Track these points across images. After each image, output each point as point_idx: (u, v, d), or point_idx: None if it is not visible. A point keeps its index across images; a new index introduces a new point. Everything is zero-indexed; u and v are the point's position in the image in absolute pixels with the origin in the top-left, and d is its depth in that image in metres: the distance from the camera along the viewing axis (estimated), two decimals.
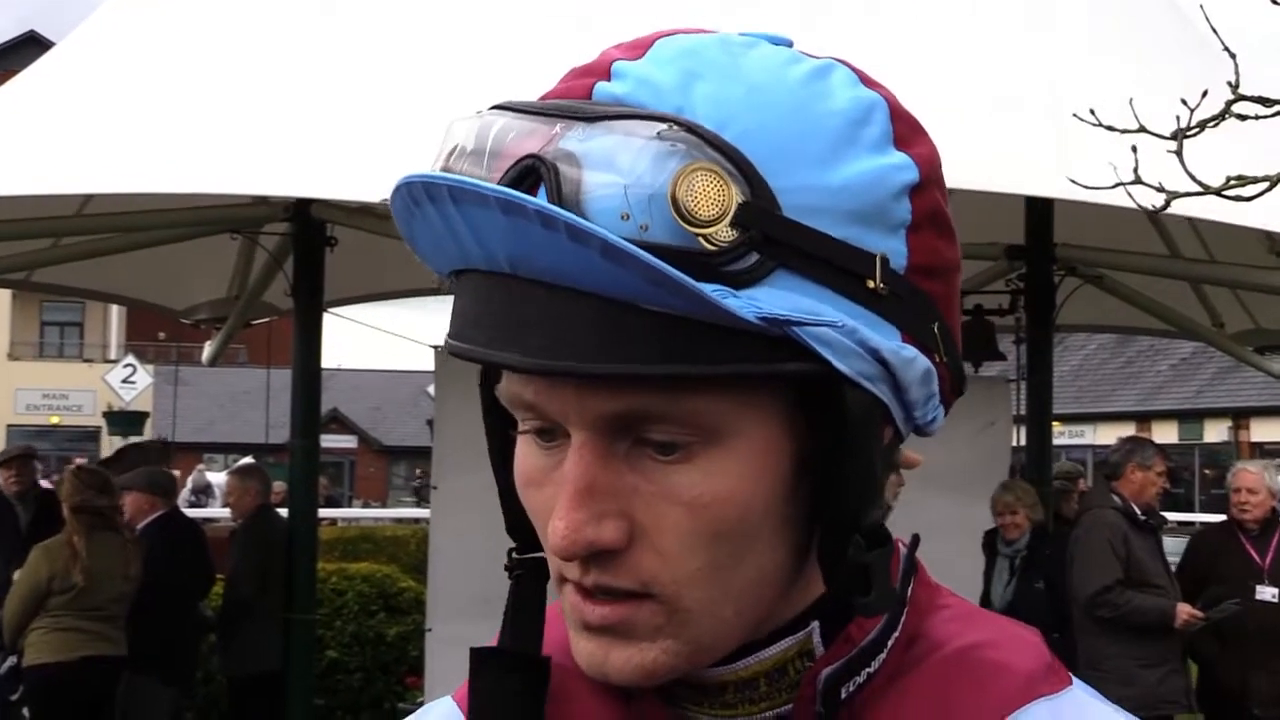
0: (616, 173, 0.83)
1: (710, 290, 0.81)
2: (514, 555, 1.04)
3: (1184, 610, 7.55)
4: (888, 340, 0.89)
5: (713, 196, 0.83)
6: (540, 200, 0.82)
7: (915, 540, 1.04)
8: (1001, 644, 1.02)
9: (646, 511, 0.89)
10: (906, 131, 0.93)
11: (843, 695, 0.96)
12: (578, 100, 0.90)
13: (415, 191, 0.87)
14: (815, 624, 0.97)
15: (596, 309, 0.84)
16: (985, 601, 7.47)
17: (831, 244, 0.87)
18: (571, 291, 0.84)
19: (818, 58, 0.94)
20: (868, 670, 0.97)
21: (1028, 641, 1.03)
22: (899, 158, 0.91)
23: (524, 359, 0.86)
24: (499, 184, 0.84)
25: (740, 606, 0.92)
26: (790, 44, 0.95)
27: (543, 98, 0.95)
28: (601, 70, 0.92)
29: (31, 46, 37.58)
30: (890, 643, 0.99)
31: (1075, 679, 1.02)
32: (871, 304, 0.89)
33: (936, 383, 0.94)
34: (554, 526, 0.88)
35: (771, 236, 0.85)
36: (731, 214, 0.84)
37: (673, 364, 0.84)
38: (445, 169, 0.89)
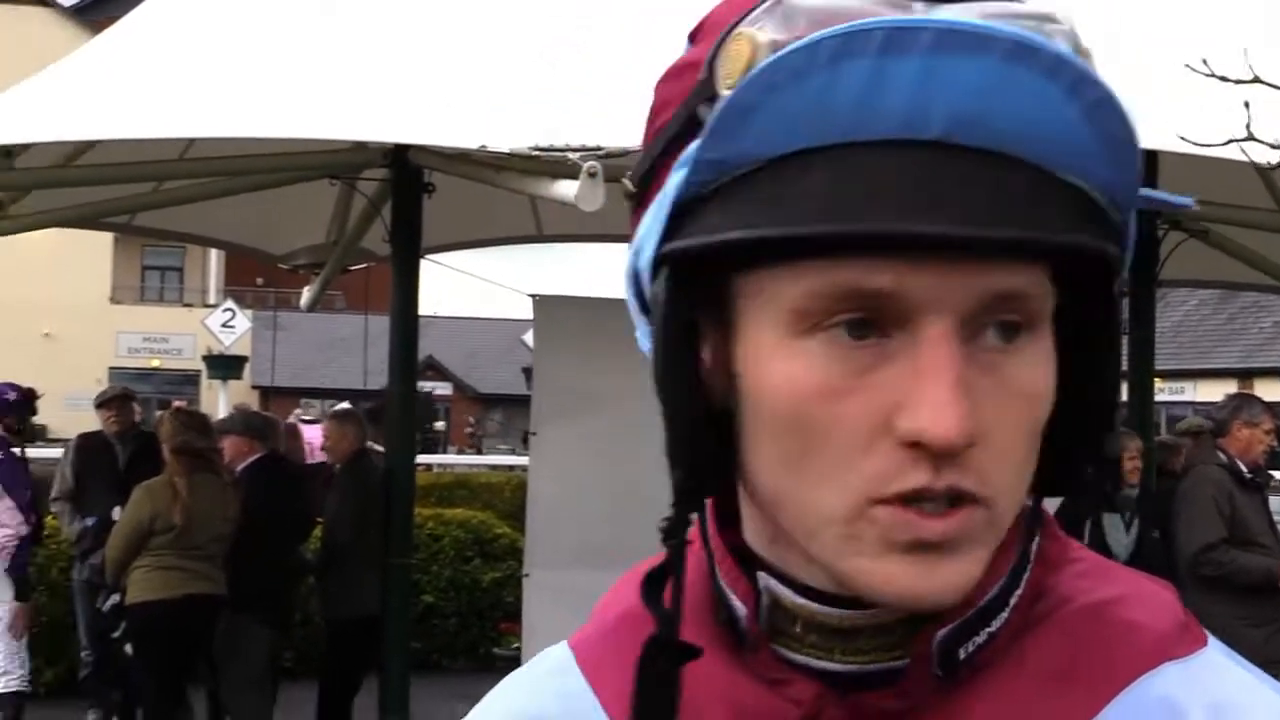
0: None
1: None
2: (679, 513, 0.96)
3: None
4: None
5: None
6: (1027, 33, 0.82)
7: (1042, 493, 1.00)
8: (1133, 601, 0.99)
9: (986, 407, 0.86)
10: None
11: (961, 656, 0.94)
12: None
13: (860, 42, 0.81)
14: None
15: (1029, 177, 0.84)
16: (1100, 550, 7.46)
17: None
18: (1005, 158, 0.84)
19: None
20: (988, 630, 0.95)
21: (1161, 598, 1.00)
22: None
23: (949, 227, 0.83)
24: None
25: (1015, 514, 0.93)
26: None
27: None
28: None
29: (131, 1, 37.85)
30: (1014, 600, 0.97)
31: (1211, 639, 0.99)
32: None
33: None
34: (934, 417, 0.83)
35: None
36: None
37: (1078, 233, 0.85)
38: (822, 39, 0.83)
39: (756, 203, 0.87)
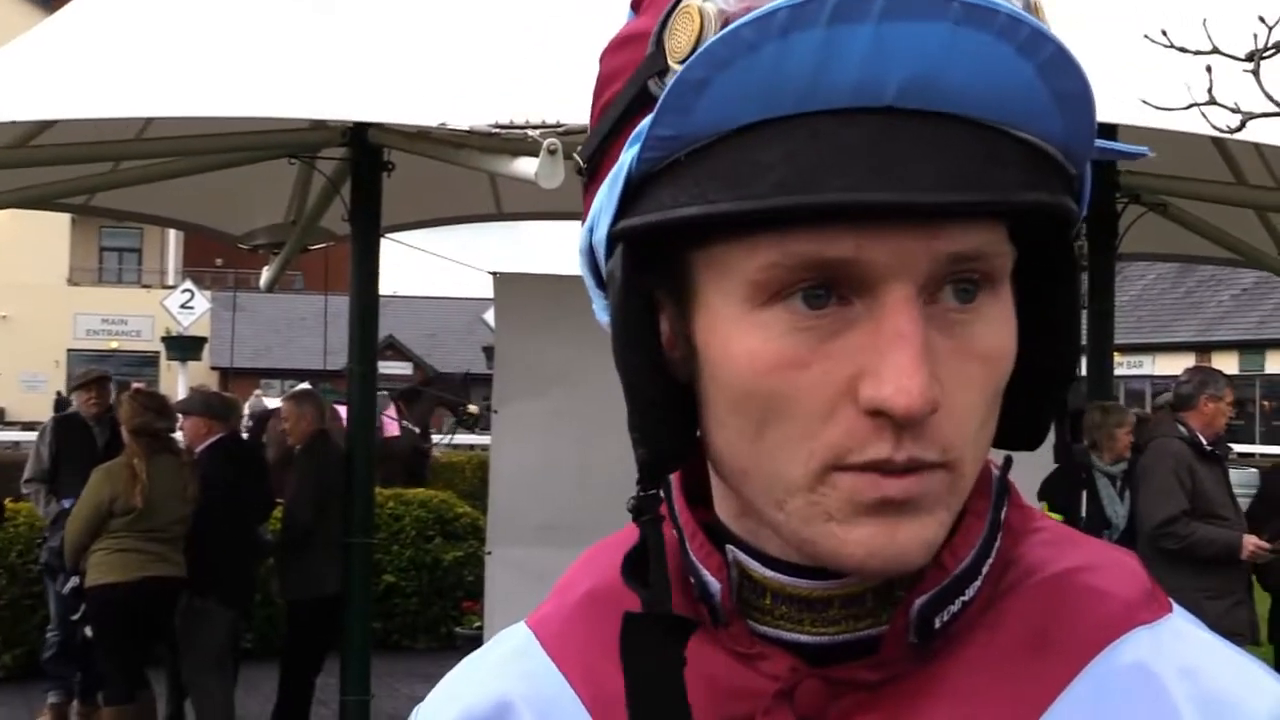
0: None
1: None
2: (643, 492, 0.97)
3: (1250, 541, 7.58)
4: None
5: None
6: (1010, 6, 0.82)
7: (1008, 462, 1.02)
8: (1099, 569, 1.00)
9: (947, 370, 0.86)
10: None
11: (936, 625, 0.94)
12: None
13: (812, 12, 0.80)
14: None
15: (984, 137, 0.84)
16: (1091, 522, 7.55)
17: None
18: (959, 120, 0.84)
19: None
20: (962, 599, 0.96)
21: (1127, 566, 1.01)
22: None
23: (902, 195, 0.82)
24: None
25: (977, 475, 0.93)
26: None
27: None
28: None
29: None
30: (985, 569, 0.97)
31: (1176, 605, 1.00)
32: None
33: None
34: (896, 385, 0.83)
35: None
36: None
37: (1043, 193, 0.85)
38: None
39: (712, 177, 0.86)
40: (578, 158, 1.00)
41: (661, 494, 0.99)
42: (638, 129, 0.88)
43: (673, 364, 0.95)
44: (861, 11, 0.80)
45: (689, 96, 0.84)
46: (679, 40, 0.87)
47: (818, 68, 0.82)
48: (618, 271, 0.91)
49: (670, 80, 0.85)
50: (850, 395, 0.86)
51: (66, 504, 9.16)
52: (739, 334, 0.88)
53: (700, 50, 0.84)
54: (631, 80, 0.92)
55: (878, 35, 0.80)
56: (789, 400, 0.87)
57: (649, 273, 0.92)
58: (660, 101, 0.85)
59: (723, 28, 0.84)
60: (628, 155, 0.89)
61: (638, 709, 0.94)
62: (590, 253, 0.97)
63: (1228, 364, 34.12)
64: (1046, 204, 0.85)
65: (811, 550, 0.89)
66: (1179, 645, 0.96)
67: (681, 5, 0.87)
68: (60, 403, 23.14)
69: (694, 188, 0.86)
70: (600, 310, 0.99)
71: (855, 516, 0.87)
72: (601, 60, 0.99)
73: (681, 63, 0.85)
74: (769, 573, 0.96)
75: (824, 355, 0.86)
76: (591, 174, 0.97)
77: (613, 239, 0.91)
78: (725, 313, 0.89)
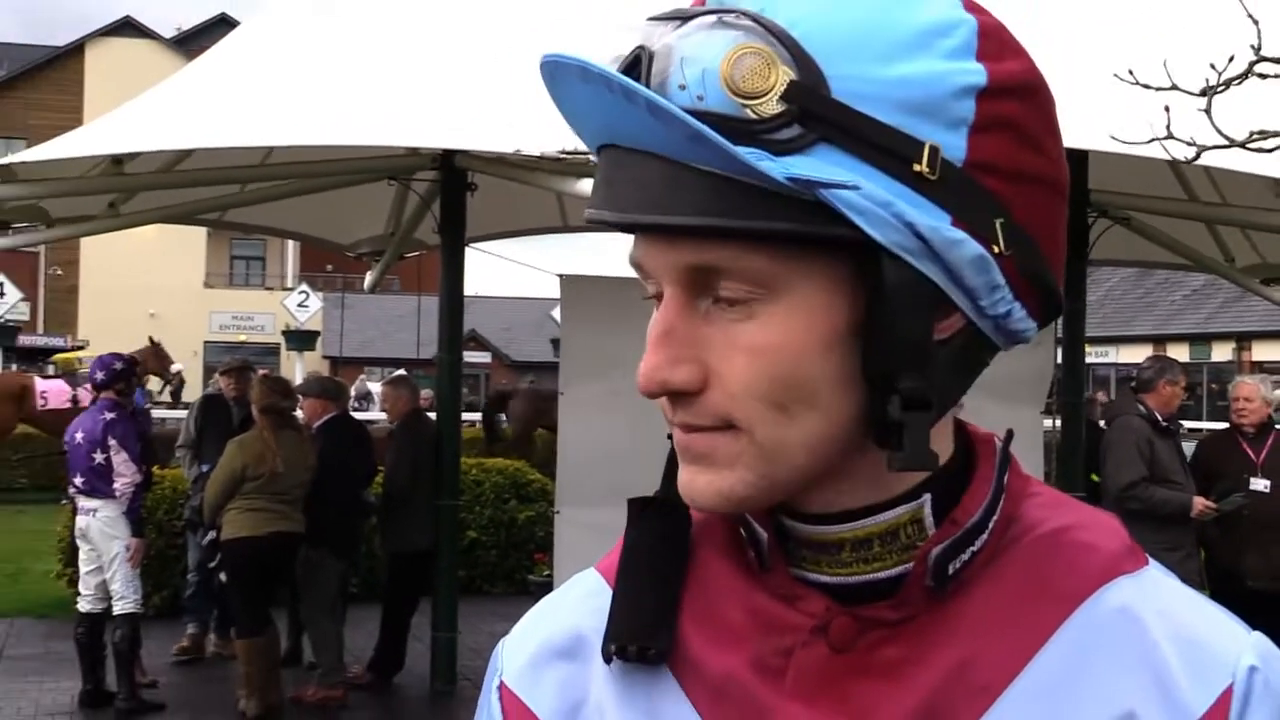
0: (684, 53, 0.84)
1: (745, 151, 0.81)
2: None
3: (1199, 502, 7.57)
4: (930, 219, 0.85)
5: (759, 73, 0.83)
6: (601, 67, 0.84)
7: (1009, 435, 1.02)
8: (1088, 526, 0.99)
9: (718, 359, 0.88)
10: (994, 49, 0.90)
11: (950, 571, 0.94)
12: (694, 7, 0.90)
13: (544, 72, 0.88)
14: (928, 496, 0.95)
15: (662, 170, 0.85)
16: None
17: (877, 126, 0.85)
18: (648, 156, 0.85)
19: None
20: (971, 549, 0.95)
21: (1110, 525, 1.01)
22: (971, 65, 0.88)
23: (612, 213, 0.88)
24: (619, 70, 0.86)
25: (813, 453, 0.91)
26: None
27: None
28: None
29: (222, 27, 37.84)
30: (991, 525, 0.97)
31: (1151, 559, 1.00)
32: (918, 186, 0.85)
33: (999, 274, 0.90)
34: (640, 370, 0.89)
35: (814, 113, 0.83)
36: (778, 91, 0.83)
37: (714, 217, 0.84)
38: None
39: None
40: None
41: None
42: None
43: None
44: (553, 72, 0.87)
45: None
46: None
47: (574, 111, 0.90)
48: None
49: None
50: None
51: (205, 468, 9.22)
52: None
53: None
54: None
55: (571, 91, 0.87)
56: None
57: None
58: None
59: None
60: None
61: (628, 563, 1.01)
62: None
63: (1180, 353, 33.98)
64: (715, 226, 0.85)
65: None
66: (1157, 591, 0.96)
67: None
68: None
69: None
70: None
71: (680, 463, 0.94)
72: None
73: None
74: (788, 521, 0.97)
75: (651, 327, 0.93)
76: None
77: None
78: None
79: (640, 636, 0.98)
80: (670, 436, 0.97)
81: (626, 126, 0.85)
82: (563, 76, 0.86)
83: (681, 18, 0.87)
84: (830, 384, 0.89)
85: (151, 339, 23.90)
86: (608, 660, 1.00)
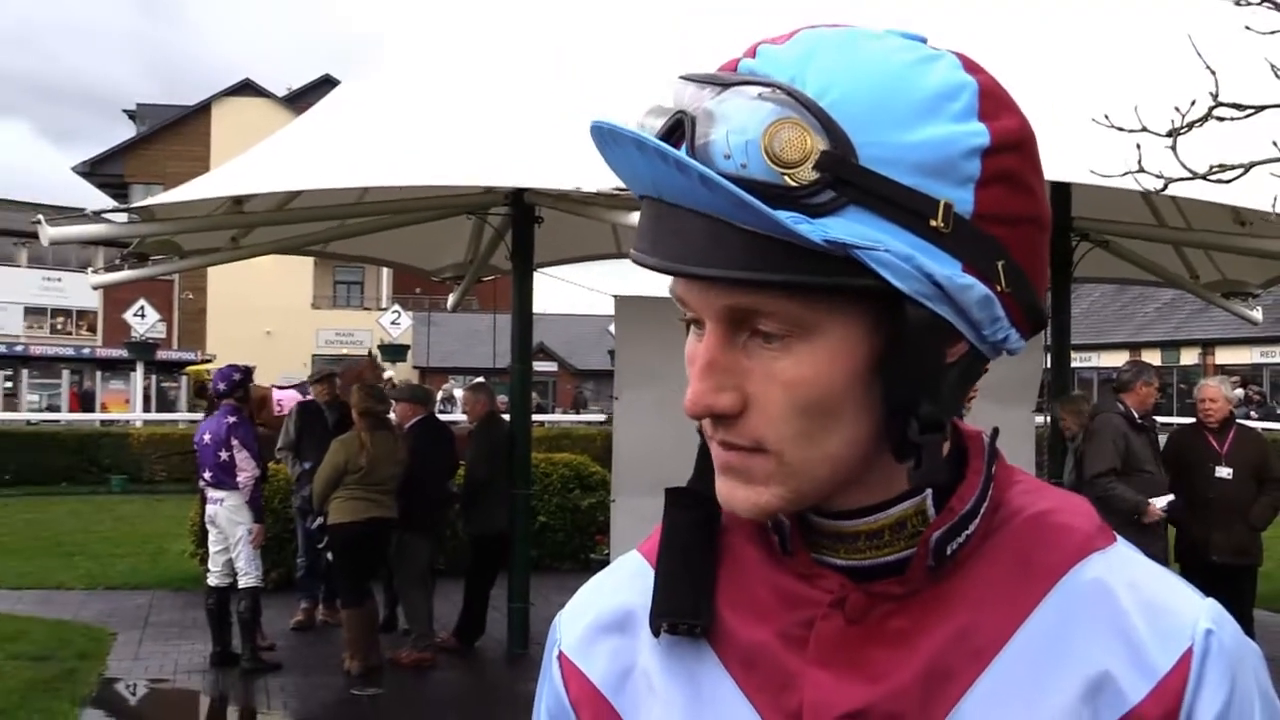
0: (727, 123, 0.84)
1: (784, 216, 0.81)
2: (702, 440, 1.02)
3: (1153, 511, 7.50)
4: (945, 269, 0.86)
5: (796, 144, 0.83)
6: (658, 141, 0.83)
7: (995, 432, 1.03)
8: (1064, 510, 1.00)
9: (756, 388, 0.88)
10: (993, 108, 0.89)
11: (948, 552, 0.95)
12: (726, 72, 0.89)
13: (596, 135, 0.87)
14: (929, 492, 0.95)
15: (705, 226, 0.84)
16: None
17: (899, 189, 0.85)
18: (691, 212, 0.85)
19: (935, 49, 0.92)
20: (966, 533, 0.96)
21: (1083, 508, 1.01)
22: (976, 127, 0.88)
23: (659, 261, 0.87)
24: (659, 135, 0.87)
25: (835, 468, 0.91)
26: (923, 40, 0.92)
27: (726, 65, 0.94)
28: (749, 52, 0.91)
29: (325, 86, 38.14)
30: (982, 511, 0.97)
31: (1118, 537, 1.00)
32: (934, 239, 0.86)
33: (1000, 308, 0.90)
34: (688, 395, 0.89)
35: (845, 179, 0.83)
36: (814, 159, 0.83)
37: (755, 271, 0.84)
38: (640, 123, 0.89)
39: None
40: None
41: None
42: None
43: None
44: (607, 136, 0.86)
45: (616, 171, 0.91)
46: None
47: (626, 168, 0.88)
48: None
49: None
50: None
51: (307, 465, 9.28)
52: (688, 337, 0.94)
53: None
54: None
55: (625, 153, 0.86)
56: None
57: None
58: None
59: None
60: None
61: (668, 546, 1.01)
62: None
63: (1153, 358, 33.82)
64: (753, 279, 0.85)
65: None
66: (1124, 565, 0.97)
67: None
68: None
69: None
70: None
71: (717, 471, 0.93)
72: None
73: None
74: (814, 517, 0.97)
75: (692, 358, 0.92)
76: None
77: None
78: None
79: (685, 614, 0.98)
80: (700, 432, 0.98)
81: (674, 188, 0.85)
82: (615, 141, 0.85)
83: (718, 84, 0.86)
84: (853, 410, 0.89)
85: (370, 351, 24.02)
86: (656, 634, 1.00)
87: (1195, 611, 0.95)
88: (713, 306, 0.88)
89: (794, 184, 0.83)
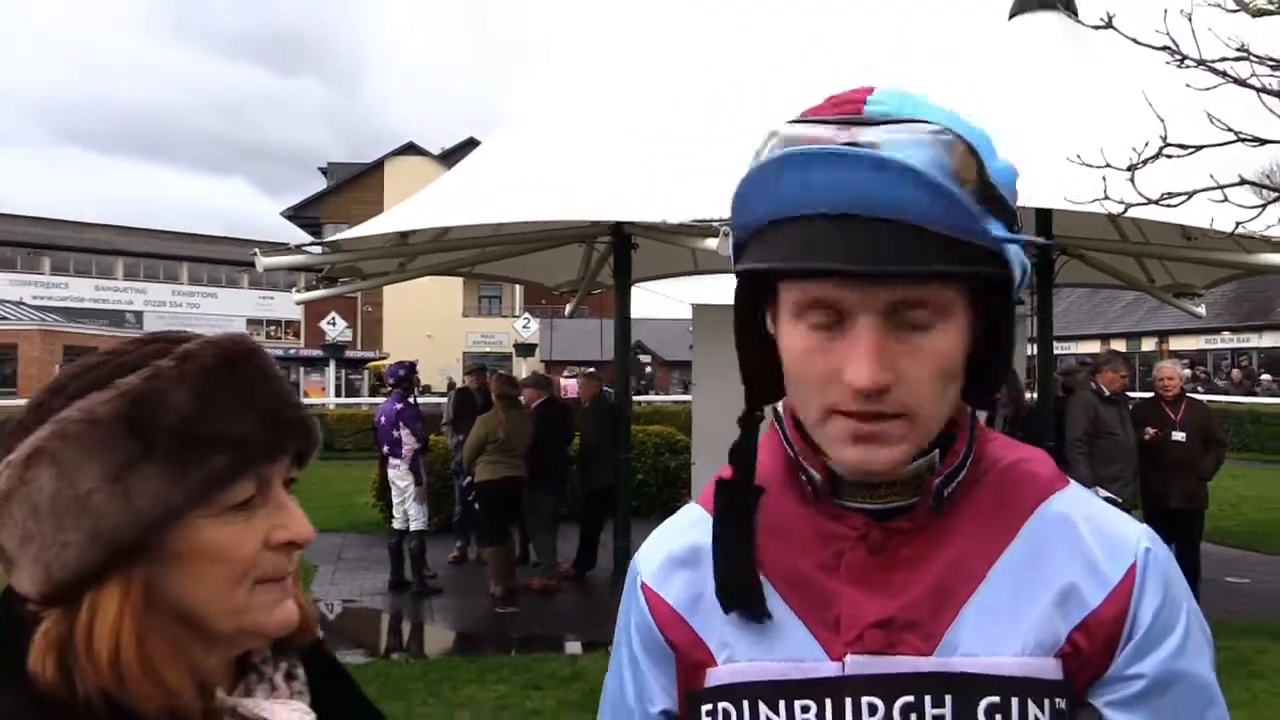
0: (908, 150, 0.85)
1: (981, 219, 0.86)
2: (751, 413, 1.03)
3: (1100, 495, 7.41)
4: (1023, 257, 0.91)
5: (968, 166, 0.87)
6: (894, 156, 0.84)
7: (975, 406, 1.04)
8: (1031, 460, 1.01)
9: (906, 364, 0.88)
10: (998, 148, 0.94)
11: (945, 494, 0.97)
12: (853, 114, 0.90)
13: (793, 160, 0.86)
14: (936, 450, 0.96)
15: (895, 231, 0.84)
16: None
17: (1005, 200, 0.90)
18: (878, 221, 0.85)
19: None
20: (958, 480, 0.97)
21: (1044, 457, 1.03)
22: (1004, 160, 0.93)
23: (859, 265, 0.85)
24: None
25: (941, 423, 0.94)
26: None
27: (810, 113, 0.93)
28: (858, 100, 0.91)
29: (470, 145, 38.58)
30: (969, 463, 0.98)
31: (1070, 479, 1.02)
32: (1014, 234, 0.90)
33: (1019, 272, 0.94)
34: (856, 373, 0.87)
35: (988, 194, 0.88)
36: (976, 178, 0.87)
37: (949, 265, 0.85)
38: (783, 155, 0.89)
39: (762, 247, 0.89)
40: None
41: (767, 415, 1.05)
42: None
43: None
44: (815, 162, 0.85)
45: (741, 205, 0.90)
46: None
47: (799, 192, 0.86)
48: (736, 292, 0.98)
49: (733, 195, 0.91)
50: (838, 375, 0.89)
51: (461, 438, 9.40)
52: (790, 332, 0.92)
53: (741, 182, 0.89)
54: None
55: (827, 176, 0.84)
56: (810, 373, 0.91)
57: (757, 295, 0.97)
58: (733, 205, 0.91)
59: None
60: (735, 233, 0.94)
61: (723, 529, 1.00)
62: None
63: (1120, 346, 32.99)
64: (941, 271, 0.86)
65: (833, 458, 0.95)
66: (1079, 501, 0.99)
67: (761, 153, 0.92)
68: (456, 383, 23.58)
69: (756, 252, 0.90)
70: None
71: (847, 443, 0.91)
72: None
73: None
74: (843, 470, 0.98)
75: (825, 352, 0.89)
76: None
77: (737, 275, 0.96)
78: (785, 320, 0.92)
79: (745, 602, 0.98)
80: (746, 423, 1.01)
81: (876, 199, 0.85)
82: (825, 163, 0.85)
83: (866, 122, 0.88)
84: (958, 374, 0.92)
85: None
86: (726, 612, 0.99)
87: (1137, 534, 0.96)
88: (879, 301, 0.87)
89: (967, 195, 0.85)
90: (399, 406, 8.53)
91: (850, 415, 0.89)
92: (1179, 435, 7.72)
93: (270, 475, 0.89)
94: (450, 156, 44.66)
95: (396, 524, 8.67)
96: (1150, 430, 7.68)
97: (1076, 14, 8.69)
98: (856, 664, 0.92)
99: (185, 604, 0.86)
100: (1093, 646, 0.92)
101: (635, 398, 18.40)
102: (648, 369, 49.51)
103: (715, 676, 0.97)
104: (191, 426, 0.84)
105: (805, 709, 0.92)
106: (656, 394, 37.73)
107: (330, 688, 1.01)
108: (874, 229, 0.85)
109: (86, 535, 0.81)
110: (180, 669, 0.84)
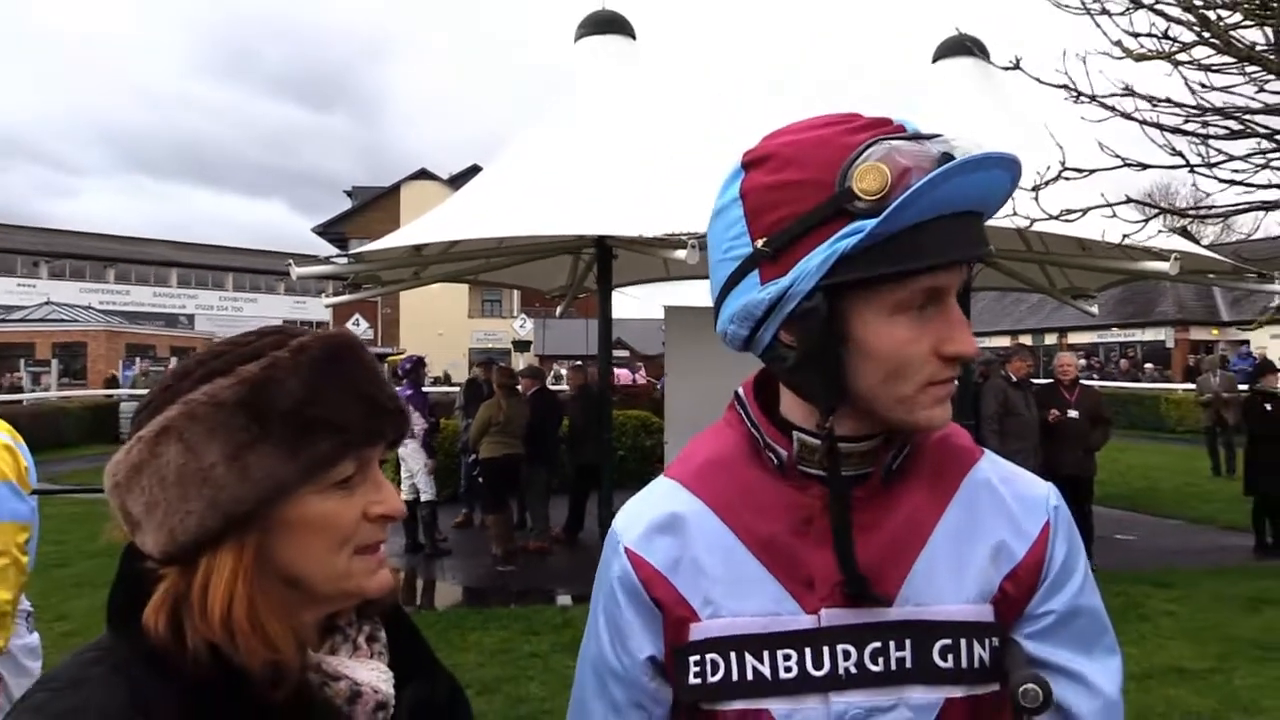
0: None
1: None
2: (827, 424, 0.94)
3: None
4: None
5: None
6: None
7: None
8: (954, 434, 1.01)
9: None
10: None
11: (893, 466, 0.96)
12: (927, 133, 0.90)
13: (967, 166, 0.84)
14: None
15: (979, 222, 0.88)
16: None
17: None
18: (979, 215, 0.88)
19: None
20: (904, 454, 0.97)
21: (964, 432, 1.03)
22: None
23: (979, 252, 0.87)
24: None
25: None
26: None
27: (888, 133, 0.88)
28: (894, 124, 0.89)
29: (474, 171, 38.34)
30: (909, 440, 0.98)
31: (984, 448, 1.03)
32: None
33: None
34: (966, 344, 0.89)
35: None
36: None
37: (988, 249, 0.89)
38: (916, 166, 0.85)
39: (901, 250, 0.84)
40: (764, 241, 0.90)
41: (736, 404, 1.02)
42: (854, 226, 0.85)
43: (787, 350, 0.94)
44: (981, 165, 0.84)
45: (902, 210, 0.84)
46: (871, 184, 0.84)
47: (958, 193, 0.84)
48: (822, 306, 0.88)
49: (896, 201, 0.83)
50: (934, 351, 0.89)
51: (469, 421, 9.34)
52: (887, 329, 0.88)
53: (912, 188, 0.83)
54: (824, 205, 0.86)
55: (987, 176, 0.85)
56: (908, 359, 0.89)
57: (838, 306, 0.90)
58: (886, 213, 0.83)
59: (899, 180, 0.84)
60: (842, 243, 0.85)
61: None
62: (759, 305, 0.90)
63: (1026, 340, 33.22)
64: (990, 255, 0.90)
65: (911, 423, 0.91)
66: (996, 466, 1.00)
67: (865, 167, 0.85)
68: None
69: (894, 254, 0.85)
70: (735, 326, 0.93)
71: (935, 407, 0.91)
72: (752, 195, 0.90)
73: (879, 196, 0.84)
74: (814, 441, 0.96)
75: (923, 335, 0.88)
76: (777, 253, 0.89)
77: (814, 289, 0.88)
78: (879, 320, 0.88)
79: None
80: (830, 430, 0.94)
81: (999, 195, 0.87)
82: (986, 164, 0.84)
83: (927, 136, 0.88)
84: None
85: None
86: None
87: (1045, 492, 0.98)
88: (959, 280, 0.89)
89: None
90: (409, 393, 8.50)
91: (939, 383, 0.90)
92: (1073, 413, 7.86)
93: (369, 456, 0.88)
94: (457, 180, 44.34)
95: (405, 496, 8.61)
96: (1054, 413, 7.76)
97: (989, 57, 8.75)
98: (831, 616, 0.92)
99: (294, 569, 0.85)
100: (1018, 591, 0.93)
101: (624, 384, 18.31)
102: (625, 361, 49.37)
103: (700, 631, 0.95)
104: (303, 411, 0.83)
105: (787, 657, 0.92)
106: (633, 383, 37.63)
107: (408, 648, 0.99)
108: (979, 220, 0.88)
109: (207, 504, 0.81)
110: (284, 628, 0.83)
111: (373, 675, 0.90)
